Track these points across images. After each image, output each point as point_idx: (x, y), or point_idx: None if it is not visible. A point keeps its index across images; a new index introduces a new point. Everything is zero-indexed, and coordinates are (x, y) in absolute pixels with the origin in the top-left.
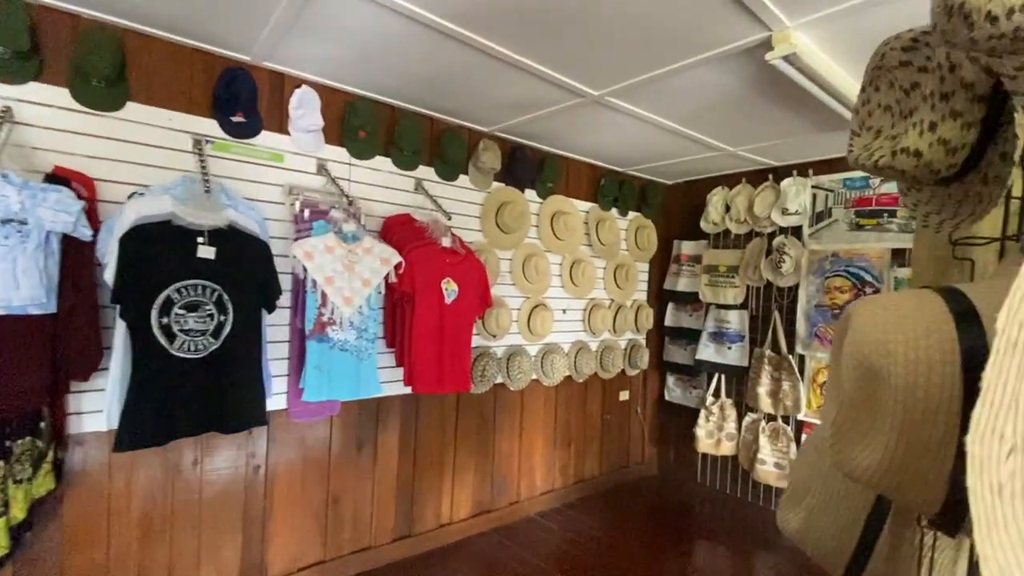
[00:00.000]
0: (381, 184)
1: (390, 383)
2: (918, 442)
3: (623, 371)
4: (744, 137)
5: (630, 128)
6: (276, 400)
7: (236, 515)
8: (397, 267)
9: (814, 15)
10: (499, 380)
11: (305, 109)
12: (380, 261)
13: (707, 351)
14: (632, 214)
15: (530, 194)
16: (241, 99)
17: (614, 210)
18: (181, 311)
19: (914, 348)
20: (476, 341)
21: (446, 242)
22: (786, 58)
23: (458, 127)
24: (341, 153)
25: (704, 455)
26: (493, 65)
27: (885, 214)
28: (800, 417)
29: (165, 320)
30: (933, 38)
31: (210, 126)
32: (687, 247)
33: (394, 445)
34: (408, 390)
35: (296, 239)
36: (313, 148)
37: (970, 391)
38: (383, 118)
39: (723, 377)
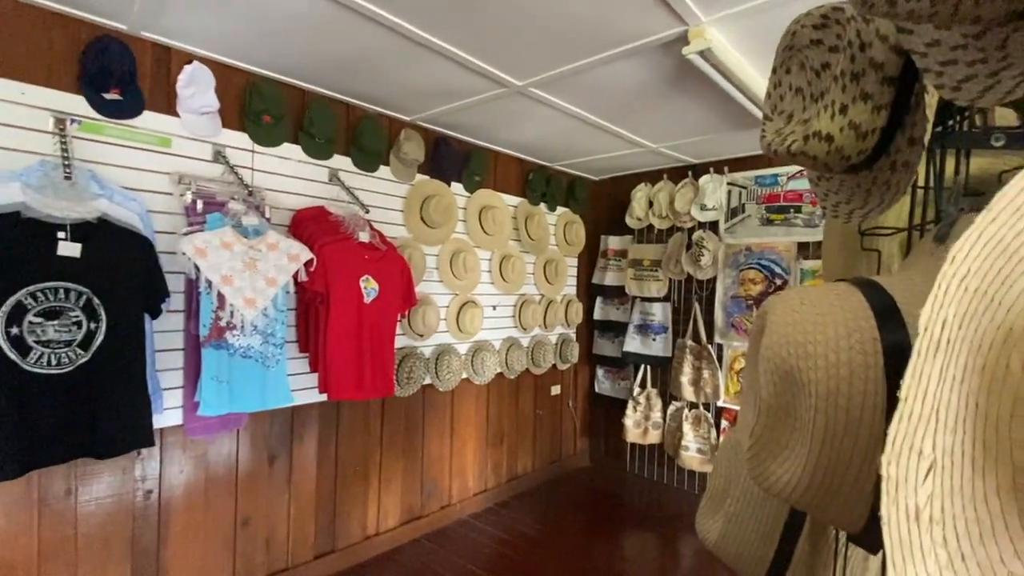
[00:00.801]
0: (290, 174)
1: (305, 390)
2: (840, 457)
3: (554, 366)
4: (664, 134)
5: (555, 121)
6: (169, 416)
7: (123, 548)
8: (308, 264)
9: (728, 11)
10: (427, 381)
11: (196, 88)
12: (288, 258)
13: (633, 343)
14: (561, 209)
15: (457, 187)
16: (115, 74)
17: (543, 205)
18: (37, 319)
19: (835, 350)
20: (401, 341)
21: (364, 237)
22: (701, 54)
23: (377, 115)
24: (242, 139)
25: (633, 444)
26: (412, 49)
27: (791, 210)
28: (720, 404)
29: (15, 330)
30: (851, 4)
31: (77, 103)
32: (613, 242)
33: (312, 456)
34: (325, 397)
35: (186, 234)
36: (208, 132)
37: (894, 399)
38: (291, 102)
39: (649, 368)
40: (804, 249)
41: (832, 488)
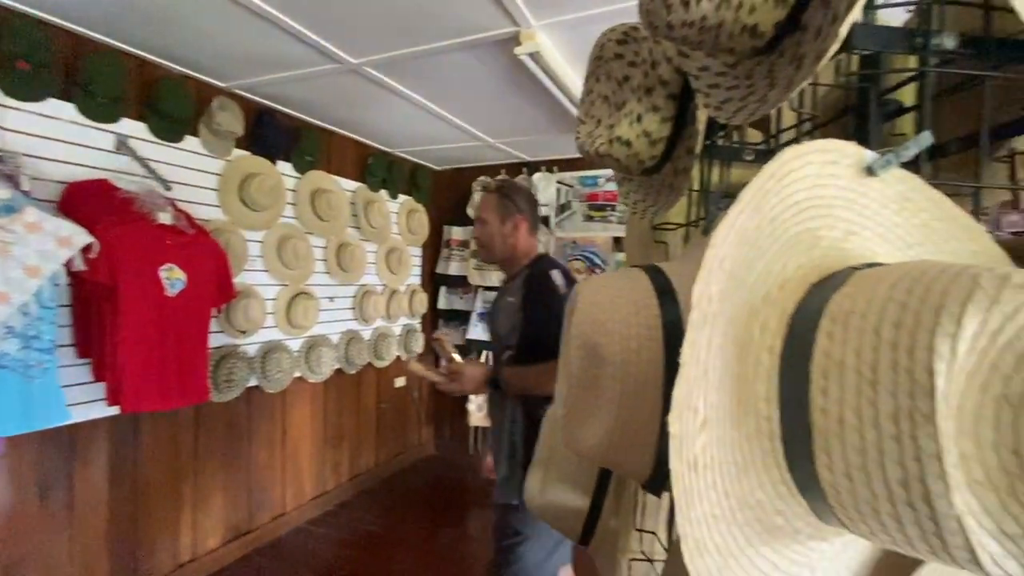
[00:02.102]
0: (60, 137)
1: (88, 404)
2: (633, 419)
3: (398, 357)
4: (501, 130)
5: (395, 106)
6: None
7: None
8: (86, 250)
9: (555, 18)
10: (252, 383)
11: None
12: (56, 242)
13: (476, 331)
14: (403, 197)
15: (284, 167)
16: None
17: (383, 192)
18: None
19: (627, 325)
20: (219, 339)
21: (165, 218)
22: (532, 56)
23: (181, 76)
24: None
25: (476, 427)
26: (223, 5)
27: (608, 208)
28: None
29: None
30: (640, 23)
31: None
32: (456, 232)
33: (101, 481)
34: (117, 410)
35: None
36: None
37: (670, 365)
38: (60, 48)
39: (490, 354)
40: (618, 243)
41: (626, 446)
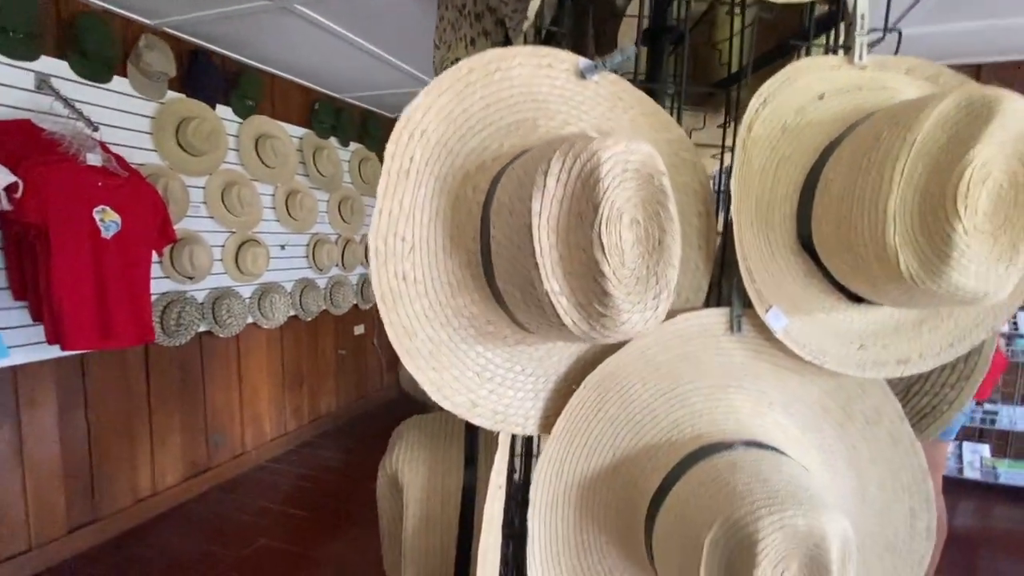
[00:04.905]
0: None
1: (30, 346)
2: None
3: (356, 305)
4: None
5: (336, 48)
6: None
7: None
8: (11, 189)
9: None
10: (203, 328)
11: None
12: None
13: None
14: (354, 144)
15: (225, 112)
16: None
17: (333, 139)
18: None
19: None
20: (166, 285)
21: (95, 160)
22: None
23: (103, 11)
24: None
25: None
26: None
27: None
28: None
29: None
30: None
31: None
32: None
33: (51, 422)
34: (59, 350)
35: None
36: None
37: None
38: None
39: None
40: None
41: None
